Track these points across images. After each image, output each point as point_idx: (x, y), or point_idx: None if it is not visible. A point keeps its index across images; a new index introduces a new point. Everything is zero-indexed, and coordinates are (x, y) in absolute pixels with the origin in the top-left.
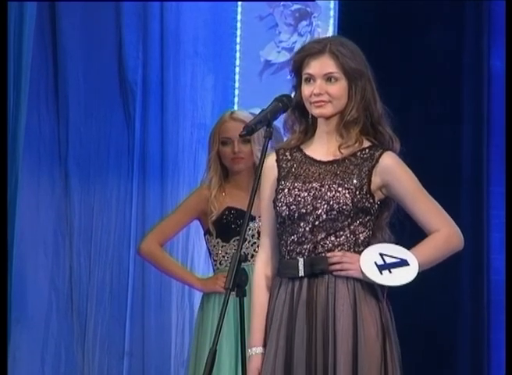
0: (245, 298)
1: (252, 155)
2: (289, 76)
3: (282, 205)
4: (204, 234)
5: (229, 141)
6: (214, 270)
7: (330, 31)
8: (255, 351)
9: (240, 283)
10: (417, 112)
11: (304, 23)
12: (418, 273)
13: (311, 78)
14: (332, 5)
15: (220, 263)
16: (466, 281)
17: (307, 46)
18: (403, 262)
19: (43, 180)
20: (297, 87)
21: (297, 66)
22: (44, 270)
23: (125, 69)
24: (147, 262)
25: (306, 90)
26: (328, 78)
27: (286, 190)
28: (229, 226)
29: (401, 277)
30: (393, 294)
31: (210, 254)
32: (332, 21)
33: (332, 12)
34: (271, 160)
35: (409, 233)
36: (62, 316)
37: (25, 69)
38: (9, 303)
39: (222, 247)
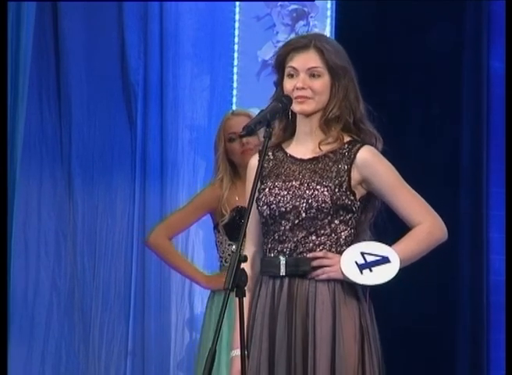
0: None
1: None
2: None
3: (263, 205)
4: (214, 228)
5: (235, 136)
6: (220, 267)
7: (327, 31)
8: (235, 353)
9: (239, 283)
10: (417, 112)
11: (302, 22)
12: (416, 272)
13: (294, 72)
14: (329, 5)
15: (226, 261)
16: (466, 281)
17: (292, 40)
18: (384, 260)
19: (45, 180)
20: (279, 84)
21: (281, 60)
22: (45, 270)
23: (127, 69)
24: (155, 255)
25: (288, 84)
26: (312, 73)
27: (266, 189)
28: (236, 226)
29: (382, 275)
30: (393, 294)
31: (217, 249)
32: (329, 21)
33: (329, 12)
34: (253, 160)
35: (392, 234)
36: (63, 316)
37: (23, 69)
38: (10, 303)
39: (228, 245)
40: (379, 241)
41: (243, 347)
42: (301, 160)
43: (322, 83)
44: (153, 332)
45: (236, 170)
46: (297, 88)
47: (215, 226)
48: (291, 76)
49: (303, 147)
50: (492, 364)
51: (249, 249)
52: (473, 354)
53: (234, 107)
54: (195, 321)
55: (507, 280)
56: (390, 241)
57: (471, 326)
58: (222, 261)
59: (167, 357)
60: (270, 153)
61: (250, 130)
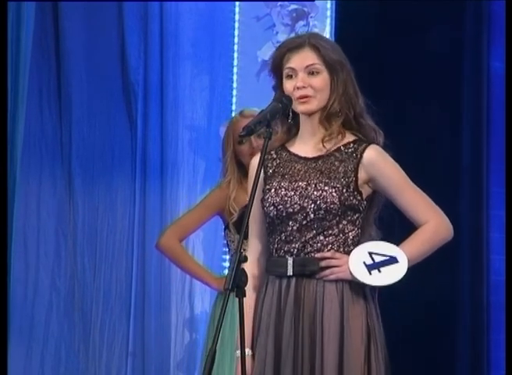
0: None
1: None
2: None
3: (269, 206)
4: (224, 229)
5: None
6: None
7: (327, 31)
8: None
9: (239, 283)
10: (417, 112)
11: (301, 23)
12: (415, 272)
13: (292, 73)
14: (329, 5)
15: None
16: (466, 281)
17: (285, 42)
18: (392, 260)
19: (45, 180)
20: (277, 88)
21: (277, 62)
22: (45, 270)
23: (127, 69)
24: (166, 257)
25: (288, 85)
26: (310, 71)
27: (272, 190)
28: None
29: (391, 276)
30: (393, 294)
31: (228, 249)
32: (328, 21)
33: (329, 12)
34: (255, 160)
35: (398, 227)
36: (63, 316)
37: (23, 69)
38: (10, 303)
39: None
40: (386, 236)
41: (243, 347)
42: (305, 159)
43: (322, 79)
44: (153, 332)
45: (245, 171)
46: (298, 88)
47: (226, 227)
48: (290, 76)
49: (306, 145)
50: (492, 364)
51: (255, 248)
52: (473, 354)
53: (234, 107)
54: (195, 321)
55: (507, 280)
56: (397, 237)
57: (471, 326)
58: None
59: (167, 357)
60: (273, 152)
61: (249, 131)
